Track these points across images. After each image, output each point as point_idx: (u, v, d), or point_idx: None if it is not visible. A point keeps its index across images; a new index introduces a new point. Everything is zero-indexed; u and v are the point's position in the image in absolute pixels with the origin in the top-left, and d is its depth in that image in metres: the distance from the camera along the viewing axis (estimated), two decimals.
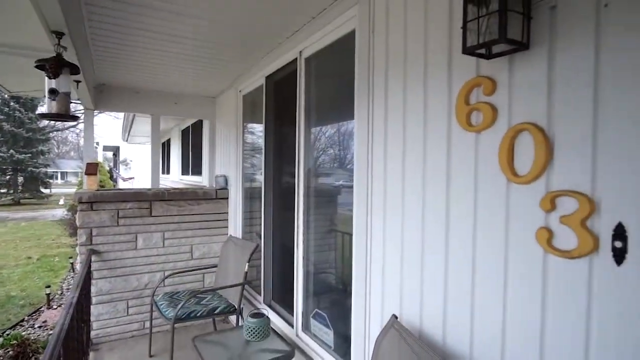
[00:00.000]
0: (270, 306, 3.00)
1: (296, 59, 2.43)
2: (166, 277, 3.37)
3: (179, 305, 2.61)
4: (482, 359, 1.16)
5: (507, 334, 1.09)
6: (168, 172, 9.27)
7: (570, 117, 0.95)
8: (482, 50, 1.10)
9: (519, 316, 1.06)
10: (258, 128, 3.39)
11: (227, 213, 3.85)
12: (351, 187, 1.86)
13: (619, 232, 0.85)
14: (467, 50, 1.07)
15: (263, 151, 3.09)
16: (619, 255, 0.85)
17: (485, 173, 1.16)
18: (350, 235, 1.85)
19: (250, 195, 3.58)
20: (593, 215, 0.90)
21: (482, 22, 1.02)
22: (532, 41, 1.03)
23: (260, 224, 3.13)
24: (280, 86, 2.93)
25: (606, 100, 0.88)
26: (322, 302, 2.46)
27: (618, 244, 0.85)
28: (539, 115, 1.01)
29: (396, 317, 1.44)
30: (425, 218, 1.40)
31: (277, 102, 3.01)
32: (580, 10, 0.93)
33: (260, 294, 3.15)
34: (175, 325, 2.58)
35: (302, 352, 2.29)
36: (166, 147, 9.43)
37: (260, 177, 3.17)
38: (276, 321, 2.75)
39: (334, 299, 2.50)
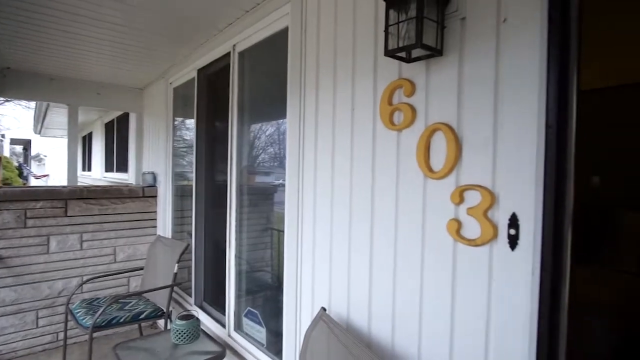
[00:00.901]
0: (201, 307, 2.89)
1: (229, 52, 2.37)
2: (84, 283, 3.09)
3: (98, 312, 2.40)
4: (402, 342, 1.24)
5: (424, 317, 1.18)
6: (89, 169, 8.49)
7: (475, 118, 1.05)
8: (403, 54, 1.17)
9: (433, 302, 1.15)
10: (190, 123, 3.24)
11: (156, 212, 3.63)
12: None
13: (513, 221, 0.96)
14: (389, 53, 1.14)
15: (194, 147, 2.96)
16: (513, 242, 0.96)
17: (406, 169, 1.24)
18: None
19: (181, 193, 3.42)
20: (493, 207, 1.00)
21: (402, 27, 1.09)
22: (445, 48, 1.12)
23: (192, 223, 3.00)
24: (213, 80, 2.84)
25: (502, 105, 0.99)
26: (255, 301, 2.44)
27: (512, 232, 0.96)
28: (450, 117, 1.11)
29: (325, 310, 1.48)
30: (353, 211, 1.45)
31: (209, 97, 2.90)
32: (484, 23, 1.03)
33: (191, 296, 3.02)
34: (94, 334, 2.37)
35: (234, 351, 2.25)
36: (87, 141, 8.62)
37: (191, 174, 3.04)
38: (207, 322, 2.67)
39: (267, 297, 2.49)
